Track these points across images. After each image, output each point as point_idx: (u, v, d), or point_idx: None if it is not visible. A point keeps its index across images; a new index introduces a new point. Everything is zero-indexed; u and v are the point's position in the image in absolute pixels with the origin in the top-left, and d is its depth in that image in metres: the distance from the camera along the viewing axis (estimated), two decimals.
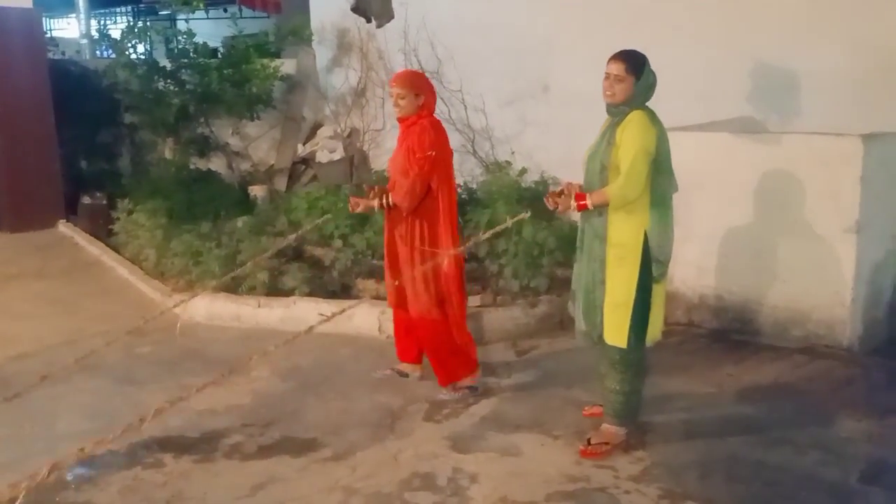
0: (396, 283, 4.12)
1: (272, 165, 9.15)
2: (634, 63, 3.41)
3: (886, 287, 4.87)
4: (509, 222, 3.88)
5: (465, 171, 7.07)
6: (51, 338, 5.19)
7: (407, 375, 4.45)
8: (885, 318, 4.85)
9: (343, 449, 3.68)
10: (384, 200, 4.07)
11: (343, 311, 3.76)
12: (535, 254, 5.44)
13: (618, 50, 3.47)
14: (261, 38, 9.21)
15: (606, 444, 3.56)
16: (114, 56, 9.03)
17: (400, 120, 4.12)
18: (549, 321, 5.18)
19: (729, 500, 3.17)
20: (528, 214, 3.91)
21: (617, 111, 3.45)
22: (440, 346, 4.18)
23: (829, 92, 5.27)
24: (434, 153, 3.98)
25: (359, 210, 4.24)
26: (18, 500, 2.77)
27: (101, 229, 7.74)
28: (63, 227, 8.20)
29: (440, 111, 4.83)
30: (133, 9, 24.78)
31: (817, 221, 4.58)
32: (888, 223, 4.74)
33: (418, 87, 4.05)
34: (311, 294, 5.44)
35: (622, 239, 3.41)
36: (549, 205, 3.54)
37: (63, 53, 12.43)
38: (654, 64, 3.46)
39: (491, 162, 7.40)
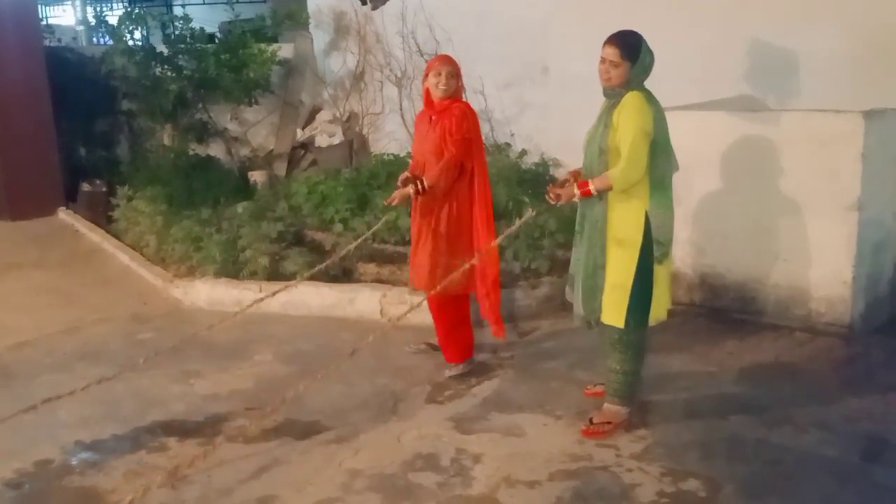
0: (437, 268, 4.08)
1: (271, 150, 9.13)
2: (630, 47, 3.36)
3: (888, 265, 4.86)
4: (521, 221, 4.07)
5: None
6: (50, 326, 5.19)
7: (440, 350, 4.44)
8: (886, 296, 4.85)
9: (346, 431, 3.69)
10: (419, 186, 3.96)
11: None
12: (535, 236, 5.45)
13: (613, 32, 3.42)
14: (257, 23, 9.15)
15: (608, 423, 3.57)
16: (111, 43, 8.99)
17: (433, 103, 4.08)
18: (551, 302, 5.19)
19: (730, 478, 3.18)
20: (536, 214, 4.11)
21: (613, 93, 3.42)
22: (455, 323, 4.22)
23: (826, 72, 5.25)
24: (470, 137, 4.03)
25: (396, 203, 4.13)
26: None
27: (101, 216, 7.74)
28: (63, 215, 8.18)
29: None
30: None
31: (818, 199, 4.56)
32: (889, 201, 4.73)
33: (459, 69, 4.10)
34: (312, 278, 5.43)
35: (623, 221, 3.40)
36: (551, 199, 3.52)
37: (59, 40, 12.33)
38: (653, 44, 3.42)
39: (490, 144, 7.38)
